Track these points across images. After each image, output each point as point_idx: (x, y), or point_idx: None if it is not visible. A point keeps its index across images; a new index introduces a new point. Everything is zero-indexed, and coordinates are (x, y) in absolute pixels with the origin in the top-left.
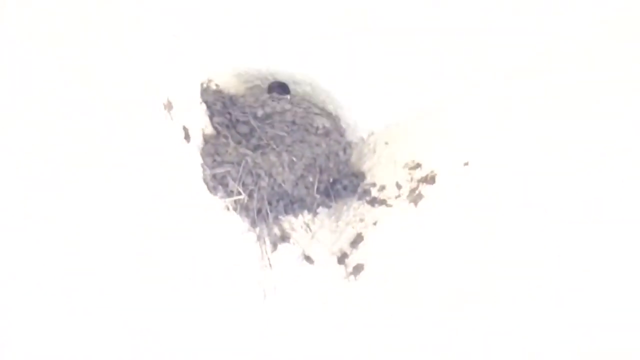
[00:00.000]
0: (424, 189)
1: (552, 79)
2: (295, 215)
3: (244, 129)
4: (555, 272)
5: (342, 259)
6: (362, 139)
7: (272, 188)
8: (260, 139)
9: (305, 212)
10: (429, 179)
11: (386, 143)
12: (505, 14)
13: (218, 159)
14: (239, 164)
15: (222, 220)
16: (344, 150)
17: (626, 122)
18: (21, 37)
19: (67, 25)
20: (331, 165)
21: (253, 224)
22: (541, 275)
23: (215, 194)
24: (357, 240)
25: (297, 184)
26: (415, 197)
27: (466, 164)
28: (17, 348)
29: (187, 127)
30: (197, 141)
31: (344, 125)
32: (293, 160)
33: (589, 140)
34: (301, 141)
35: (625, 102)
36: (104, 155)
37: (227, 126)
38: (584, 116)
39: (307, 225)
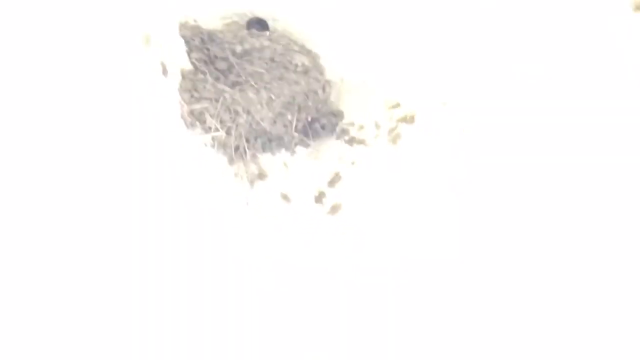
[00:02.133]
0: (403, 128)
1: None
2: (273, 154)
3: (222, 65)
4: (532, 215)
5: (319, 198)
6: (342, 78)
7: (250, 125)
8: (238, 75)
9: (283, 150)
10: (408, 119)
11: (365, 82)
12: None
13: (196, 95)
14: (217, 101)
15: (199, 156)
16: (323, 88)
17: None
18: None
19: None
20: (310, 103)
21: (231, 161)
22: (516, 219)
23: (193, 130)
24: (334, 180)
25: (275, 122)
26: (394, 137)
27: (444, 103)
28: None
29: (164, 62)
30: (175, 77)
31: (323, 64)
32: (271, 98)
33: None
34: (280, 79)
35: None
36: (82, 91)
37: (205, 62)
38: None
39: (285, 164)
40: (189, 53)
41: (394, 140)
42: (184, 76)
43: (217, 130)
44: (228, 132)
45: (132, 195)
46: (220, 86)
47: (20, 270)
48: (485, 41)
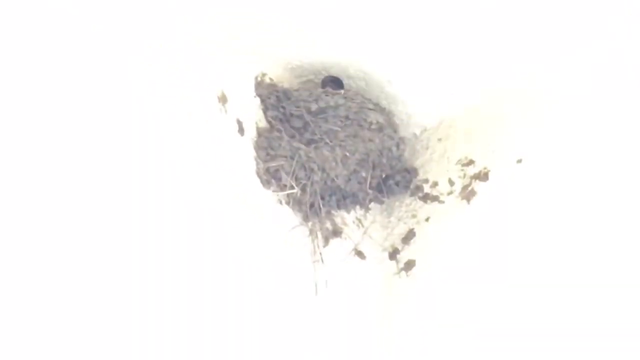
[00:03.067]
0: (477, 185)
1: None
2: (348, 211)
3: (297, 123)
4: (613, 272)
5: (393, 254)
6: (415, 135)
7: (325, 182)
8: (313, 133)
9: (358, 207)
10: (482, 176)
11: (439, 139)
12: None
13: (271, 152)
14: (292, 158)
15: (275, 213)
16: (397, 145)
17: None
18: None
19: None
20: (384, 160)
21: (305, 218)
22: (598, 274)
23: (269, 188)
24: (409, 236)
25: (349, 179)
26: (467, 194)
27: (519, 161)
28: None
29: (241, 120)
30: (251, 134)
31: (397, 121)
32: (346, 155)
33: None
34: (354, 136)
35: None
36: (161, 148)
37: (281, 120)
38: None
39: (359, 221)
40: (264, 111)
41: (468, 197)
42: (259, 134)
43: (292, 187)
44: (303, 190)
45: (206, 253)
46: (296, 144)
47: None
48: (561, 99)
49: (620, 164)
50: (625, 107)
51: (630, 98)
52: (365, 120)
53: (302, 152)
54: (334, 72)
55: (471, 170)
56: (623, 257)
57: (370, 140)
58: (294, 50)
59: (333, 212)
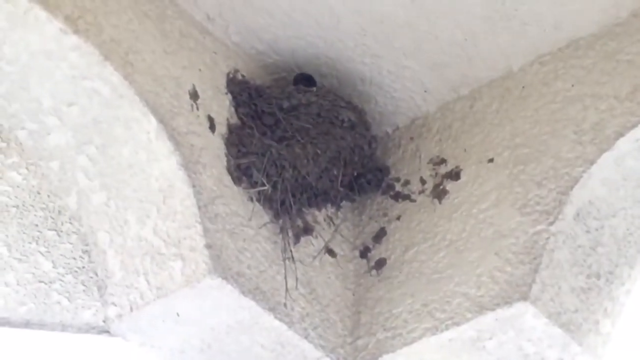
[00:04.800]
0: (448, 184)
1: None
2: (319, 208)
3: (269, 120)
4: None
5: (364, 253)
6: (387, 134)
7: (296, 180)
8: (285, 130)
9: (329, 205)
10: (454, 175)
11: (411, 138)
12: None
13: (243, 149)
14: (263, 155)
15: (245, 210)
16: (369, 144)
17: None
18: None
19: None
20: (356, 158)
21: (276, 215)
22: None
23: (239, 185)
24: (380, 235)
25: (321, 176)
26: (439, 193)
27: (491, 160)
28: None
29: (212, 116)
30: (222, 131)
31: (369, 119)
32: (317, 153)
33: None
34: (326, 134)
35: None
36: (128, 143)
37: (253, 117)
38: None
39: (330, 219)
40: (236, 108)
41: (439, 196)
42: (231, 130)
43: (263, 184)
44: (274, 187)
45: (175, 247)
46: (267, 141)
47: None
48: (536, 94)
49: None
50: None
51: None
52: (337, 118)
53: (273, 149)
54: (307, 70)
55: (443, 169)
56: None
57: (342, 138)
58: (266, 47)
59: (304, 209)
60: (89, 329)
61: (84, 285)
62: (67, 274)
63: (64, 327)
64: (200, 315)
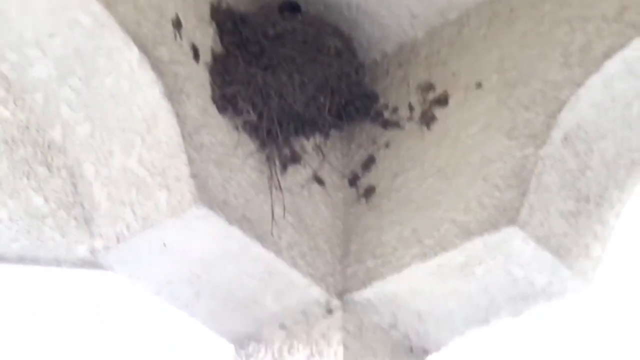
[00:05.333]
0: (437, 110)
1: None
2: (307, 137)
3: (254, 48)
4: None
5: (353, 181)
6: (376, 61)
7: (283, 109)
8: (271, 58)
9: (317, 133)
10: (442, 101)
11: (399, 65)
12: None
13: (227, 78)
14: (248, 84)
15: (231, 140)
16: (356, 71)
17: None
18: None
19: None
20: (343, 86)
21: (262, 144)
22: None
23: (225, 114)
24: (368, 163)
25: (308, 105)
26: (427, 119)
27: (479, 85)
28: None
29: (196, 45)
30: (207, 60)
31: (356, 46)
32: (304, 81)
33: None
34: (312, 61)
35: None
36: (111, 74)
37: (237, 45)
38: None
39: (319, 147)
40: (220, 36)
41: (428, 122)
42: (215, 59)
43: (248, 113)
44: (260, 116)
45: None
46: (253, 70)
47: None
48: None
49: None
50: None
51: None
52: (323, 45)
53: (259, 78)
54: None
55: (431, 95)
56: None
57: (329, 65)
58: None
59: (291, 138)
60: (84, 263)
61: (76, 220)
62: (59, 209)
63: (58, 263)
64: (187, 245)
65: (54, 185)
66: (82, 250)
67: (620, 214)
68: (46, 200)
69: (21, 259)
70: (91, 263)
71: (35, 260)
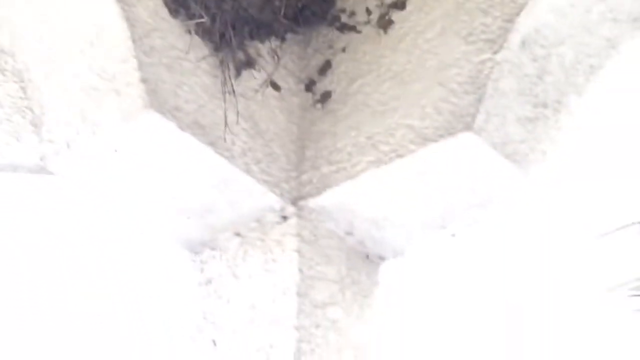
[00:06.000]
0: (394, 14)
1: None
2: (262, 41)
3: None
4: None
5: (309, 86)
6: None
7: (237, 12)
8: None
9: (273, 38)
10: (399, 4)
11: None
12: None
13: None
14: None
15: (183, 44)
16: None
17: None
18: None
19: None
20: None
21: (216, 48)
22: None
23: (176, 17)
24: (325, 67)
25: (263, 8)
26: (384, 23)
27: None
28: None
29: None
30: None
31: None
32: None
33: None
34: None
35: None
36: None
37: None
38: None
39: (274, 52)
40: None
41: (385, 26)
42: None
43: (201, 16)
44: (213, 19)
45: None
46: None
47: None
48: None
49: None
50: None
51: None
52: None
53: None
54: None
55: None
56: None
57: None
58: None
59: (246, 42)
60: (38, 166)
61: (33, 126)
62: (14, 113)
63: (14, 168)
64: (138, 151)
65: (7, 90)
66: (35, 153)
67: (579, 119)
68: (1, 105)
69: None
70: (45, 164)
71: None
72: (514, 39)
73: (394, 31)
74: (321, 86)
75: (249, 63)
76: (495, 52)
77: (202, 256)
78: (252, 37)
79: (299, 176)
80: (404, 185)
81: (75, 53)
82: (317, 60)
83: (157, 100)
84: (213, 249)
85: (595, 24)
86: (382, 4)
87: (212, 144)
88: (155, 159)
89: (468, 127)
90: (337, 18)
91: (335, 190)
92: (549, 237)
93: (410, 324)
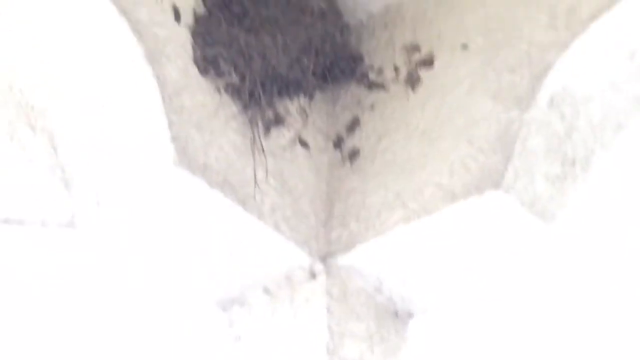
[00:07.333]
0: (422, 72)
1: None
2: (291, 98)
3: (237, 9)
4: None
5: (338, 143)
6: (361, 22)
7: (266, 70)
8: (253, 20)
9: (301, 95)
10: (427, 62)
11: (385, 25)
12: None
13: (209, 39)
14: (231, 45)
15: (212, 102)
16: (341, 32)
17: None
18: None
19: None
20: (328, 47)
21: (245, 107)
22: None
23: (206, 76)
24: (353, 124)
25: (292, 66)
26: (412, 81)
27: (464, 46)
28: None
29: (177, 6)
30: (188, 21)
31: (342, 7)
32: (287, 42)
33: None
34: (296, 22)
35: None
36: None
37: (220, 7)
38: None
39: (303, 109)
40: None
41: (413, 83)
42: (197, 21)
43: (230, 75)
44: (242, 78)
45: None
46: (235, 31)
47: None
48: None
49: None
50: None
51: None
52: (307, 5)
53: (241, 39)
54: None
55: (416, 57)
56: None
57: (313, 26)
58: None
59: (274, 100)
60: (68, 223)
61: (63, 182)
62: (44, 170)
63: (43, 224)
64: (169, 209)
65: (37, 146)
66: (65, 211)
67: (608, 176)
68: (30, 161)
69: (6, 220)
70: (75, 222)
71: (21, 222)
72: (542, 97)
73: (421, 88)
74: (349, 143)
75: (278, 121)
76: (523, 110)
77: (231, 312)
78: (280, 95)
79: (328, 233)
80: (432, 243)
81: (106, 112)
82: (346, 118)
83: (187, 159)
84: (242, 305)
85: (623, 82)
86: (409, 61)
87: (241, 201)
88: (185, 217)
89: (496, 185)
90: (365, 75)
91: (363, 247)
92: (577, 293)
93: None
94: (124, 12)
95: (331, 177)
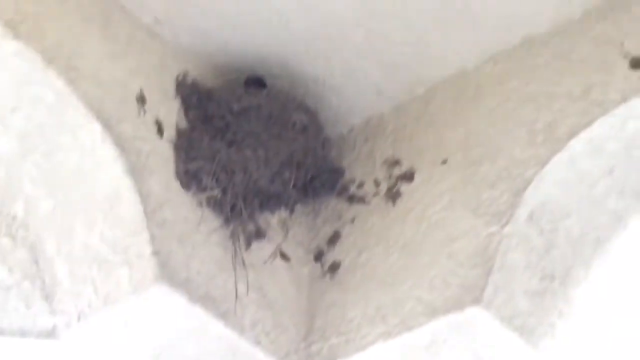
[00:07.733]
0: (402, 186)
1: None
2: (272, 212)
3: (219, 123)
4: None
5: (318, 256)
6: (342, 135)
7: (247, 184)
8: (235, 134)
9: (282, 208)
10: (408, 176)
11: (366, 139)
12: None
13: (192, 153)
14: (213, 159)
15: (194, 216)
16: (323, 145)
17: None
18: None
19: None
20: (309, 161)
21: (227, 220)
22: None
23: (188, 190)
24: (334, 238)
25: (273, 180)
26: (393, 195)
27: (444, 161)
28: None
29: (160, 121)
30: (171, 135)
31: (322, 120)
32: (269, 156)
33: None
34: (277, 137)
35: None
36: (74, 150)
37: (202, 121)
38: None
39: (284, 222)
40: (185, 111)
41: (393, 198)
42: (179, 135)
43: (212, 189)
44: (224, 191)
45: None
46: (217, 145)
47: None
48: (490, 92)
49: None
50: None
51: None
52: (288, 120)
53: (223, 153)
54: (258, 71)
55: (397, 171)
56: None
57: (294, 140)
58: (216, 49)
59: (256, 213)
60: (48, 335)
61: (41, 291)
62: (23, 280)
63: (23, 333)
64: (149, 323)
65: (18, 257)
66: (46, 322)
67: (587, 292)
68: (11, 271)
69: None
70: (56, 334)
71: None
72: (522, 212)
73: (402, 203)
74: (330, 257)
75: (259, 234)
76: (503, 226)
77: None
78: (262, 209)
79: (308, 347)
80: (413, 357)
81: (87, 225)
82: (326, 231)
83: (169, 273)
84: None
85: (602, 197)
86: (390, 175)
87: (222, 316)
88: (165, 331)
89: (476, 300)
90: (345, 189)
91: None
92: None
93: None
94: (107, 126)
95: (312, 290)
